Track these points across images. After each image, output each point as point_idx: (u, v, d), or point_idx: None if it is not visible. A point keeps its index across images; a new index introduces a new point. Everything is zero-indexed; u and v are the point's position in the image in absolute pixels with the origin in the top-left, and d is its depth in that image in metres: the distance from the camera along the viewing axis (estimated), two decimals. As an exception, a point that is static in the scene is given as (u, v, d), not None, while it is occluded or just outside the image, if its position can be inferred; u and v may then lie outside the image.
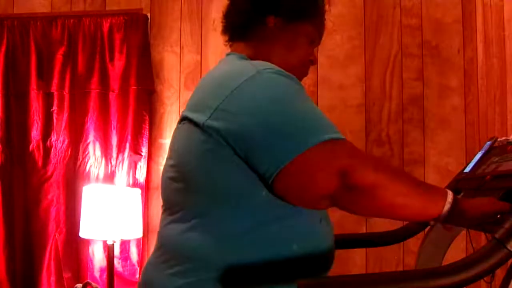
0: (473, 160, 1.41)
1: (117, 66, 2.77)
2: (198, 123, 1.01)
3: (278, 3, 1.17)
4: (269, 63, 1.06)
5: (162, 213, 1.13)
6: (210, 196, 1.01)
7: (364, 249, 2.58)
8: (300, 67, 1.22)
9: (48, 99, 2.79)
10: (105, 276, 2.61)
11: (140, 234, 2.58)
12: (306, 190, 0.94)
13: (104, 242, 2.63)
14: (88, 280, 2.63)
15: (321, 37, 1.27)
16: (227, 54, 1.22)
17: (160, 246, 1.11)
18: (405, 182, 0.97)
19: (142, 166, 2.73)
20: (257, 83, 0.99)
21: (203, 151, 1.00)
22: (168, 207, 1.11)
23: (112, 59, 2.78)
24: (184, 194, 1.05)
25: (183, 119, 1.07)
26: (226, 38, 1.25)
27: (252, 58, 1.15)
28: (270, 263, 1.00)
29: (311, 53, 1.24)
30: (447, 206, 0.97)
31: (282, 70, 1.04)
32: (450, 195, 0.98)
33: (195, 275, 1.01)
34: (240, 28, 1.21)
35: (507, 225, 0.87)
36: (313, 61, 1.25)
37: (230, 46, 1.25)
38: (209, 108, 0.99)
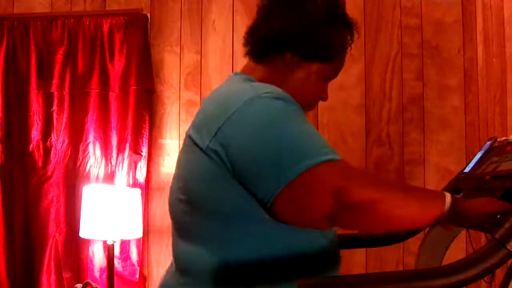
0: (473, 160, 1.41)
1: (117, 66, 2.77)
2: (200, 146, 1.02)
3: (298, 43, 1.15)
4: (271, 86, 1.05)
5: (172, 229, 1.16)
6: (215, 218, 1.03)
7: (364, 249, 2.58)
8: (309, 103, 1.20)
9: (48, 99, 2.79)
10: (105, 276, 2.61)
11: (140, 234, 2.58)
12: (303, 213, 0.95)
13: (104, 242, 2.63)
14: (88, 280, 2.63)
15: (337, 73, 1.25)
16: (235, 74, 1.21)
17: (172, 261, 1.16)
18: (400, 193, 0.97)
19: (142, 166, 2.73)
20: (254, 108, 0.99)
21: (207, 174, 1.01)
22: (177, 227, 1.13)
23: (112, 59, 2.78)
24: (191, 215, 1.07)
25: (188, 138, 1.08)
26: (245, 51, 1.23)
27: (261, 81, 1.14)
28: (272, 269, 1.02)
29: (324, 90, 1.22)
30: (446, 210, 0.96)
31: (283, 92, 1.03)
32: (448, 198, 0.97)
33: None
34: (258, 51, 1.19)
35: (507, 225, 0.87)
36: (324, 99, 1.23)
37: (248, 59, 1.23)
38: (210, 131, 1.00)
